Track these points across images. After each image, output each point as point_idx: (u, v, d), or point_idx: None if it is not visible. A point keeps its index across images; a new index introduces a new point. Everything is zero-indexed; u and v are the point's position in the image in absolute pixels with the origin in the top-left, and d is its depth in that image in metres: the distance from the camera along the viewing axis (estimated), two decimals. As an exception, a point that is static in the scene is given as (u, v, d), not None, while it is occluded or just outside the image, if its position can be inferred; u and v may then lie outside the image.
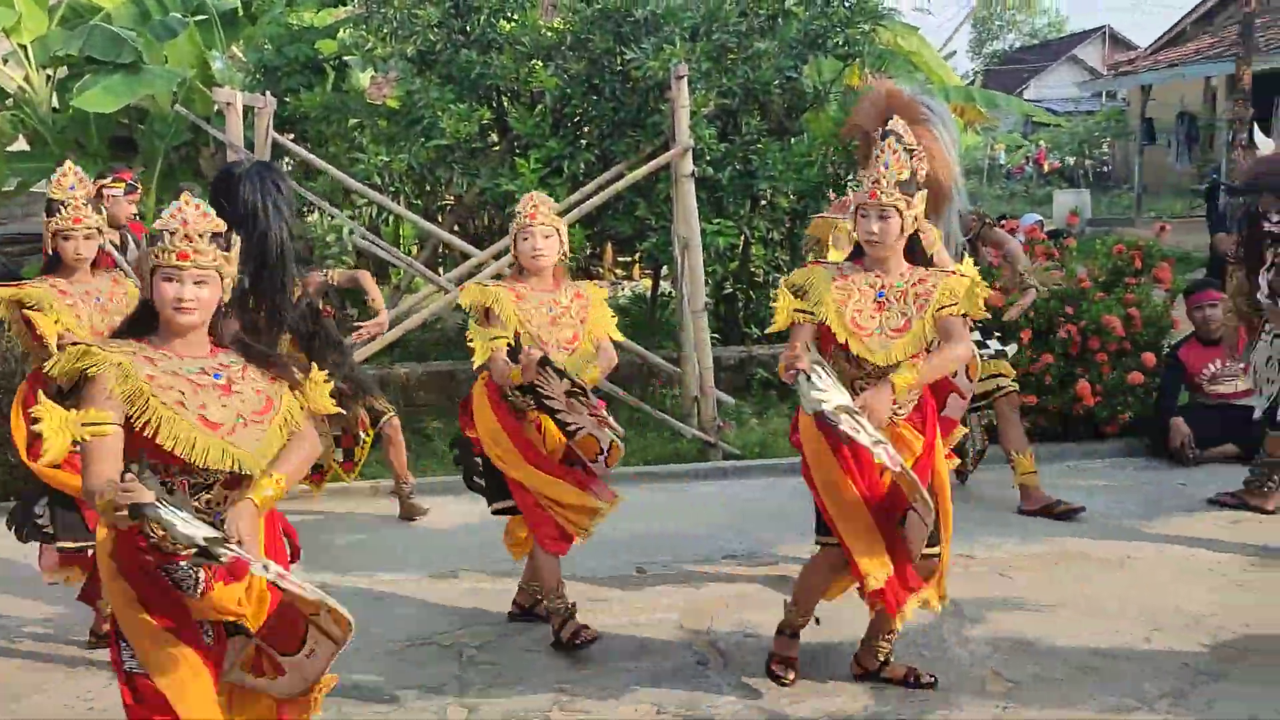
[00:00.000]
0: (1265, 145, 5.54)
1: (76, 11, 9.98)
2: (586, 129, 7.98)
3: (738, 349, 8.25)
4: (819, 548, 3.87)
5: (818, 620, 4.04)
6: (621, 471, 6.62)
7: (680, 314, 7.26)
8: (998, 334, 5.95)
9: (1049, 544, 5.34)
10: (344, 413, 5.43)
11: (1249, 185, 5.38)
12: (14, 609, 4.86)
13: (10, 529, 4.45)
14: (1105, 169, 28.04)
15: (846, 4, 8.06)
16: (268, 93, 7.48)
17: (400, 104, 7.98)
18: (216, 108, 7.62)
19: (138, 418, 2.56)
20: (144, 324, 2.74)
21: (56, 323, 4.10)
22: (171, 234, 2.64)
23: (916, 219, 3.65)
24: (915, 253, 3.73)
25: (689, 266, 7.08)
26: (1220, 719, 3.69)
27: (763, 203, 7.95)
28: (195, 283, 2.66)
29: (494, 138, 8.22)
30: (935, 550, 3.74)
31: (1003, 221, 6.93)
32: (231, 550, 2.44)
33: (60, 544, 4.26)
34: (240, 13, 9.95)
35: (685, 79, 7.01)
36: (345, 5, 9.44)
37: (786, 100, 8.09)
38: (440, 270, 8.68)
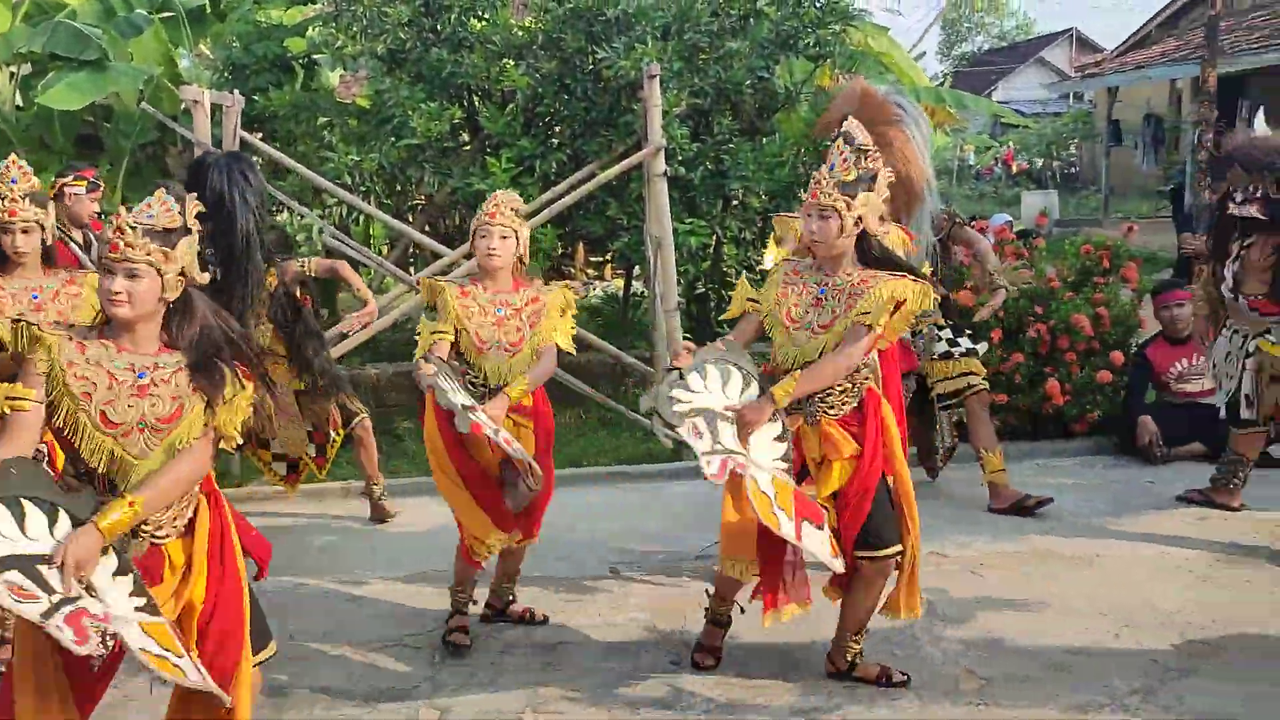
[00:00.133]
0: (1262, 129, 5.53)
1: (40, 8, 9.81)
2: (558, 128, 7.94)
3: (710, 349, 8.23)
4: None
5: (742, 610, 4.07)
6: (594, 471, 6.65)
7: (653, 313, 7.25)
8: (969, 332, 6.00)
9: (1019, 542, 5.37)
10: (316, 410, 5.40)
11: (1226, 158, 5.44)
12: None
13: None
14: (1073, 170, 28.26)
15: (818, 5, 8.07)
16: (236, 91, 7.40)
17: (370, 103, 7.92)
18: (184, 106, 7.51)
19: (53, 399, 2.68)
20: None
21: None
22: (114, 229, 2.69)
23: (860, 220, 3.66)
24: (866, 253, 3.74)
25: (661, 266, 7.07)
26: (1190, 715, 3.73)
27: (734, 202, 7.94)
28: (127, 276, 2.68)
29: (465, 137, 8.17)
30: (888, 551, 3.76)
31: (973, 222, 6.98)
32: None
33: None
34: (208, 10, 9.82)
35: (657, 78, 7.00)
36: (314, 3, 9.32)
37: (758, 100, 8.09)
38: (411, 270, 8.61)
